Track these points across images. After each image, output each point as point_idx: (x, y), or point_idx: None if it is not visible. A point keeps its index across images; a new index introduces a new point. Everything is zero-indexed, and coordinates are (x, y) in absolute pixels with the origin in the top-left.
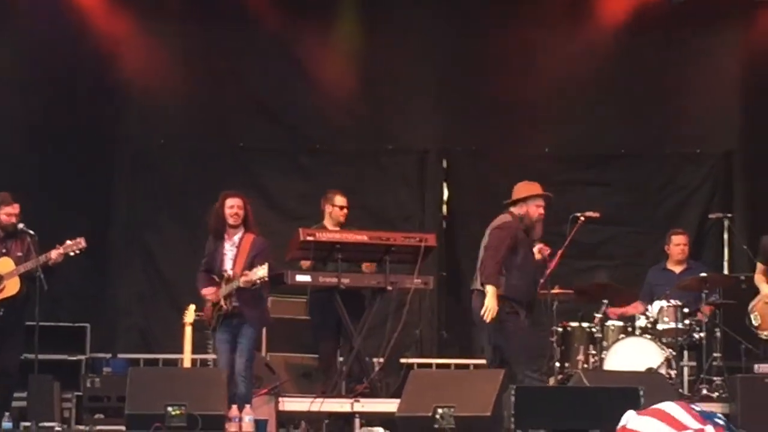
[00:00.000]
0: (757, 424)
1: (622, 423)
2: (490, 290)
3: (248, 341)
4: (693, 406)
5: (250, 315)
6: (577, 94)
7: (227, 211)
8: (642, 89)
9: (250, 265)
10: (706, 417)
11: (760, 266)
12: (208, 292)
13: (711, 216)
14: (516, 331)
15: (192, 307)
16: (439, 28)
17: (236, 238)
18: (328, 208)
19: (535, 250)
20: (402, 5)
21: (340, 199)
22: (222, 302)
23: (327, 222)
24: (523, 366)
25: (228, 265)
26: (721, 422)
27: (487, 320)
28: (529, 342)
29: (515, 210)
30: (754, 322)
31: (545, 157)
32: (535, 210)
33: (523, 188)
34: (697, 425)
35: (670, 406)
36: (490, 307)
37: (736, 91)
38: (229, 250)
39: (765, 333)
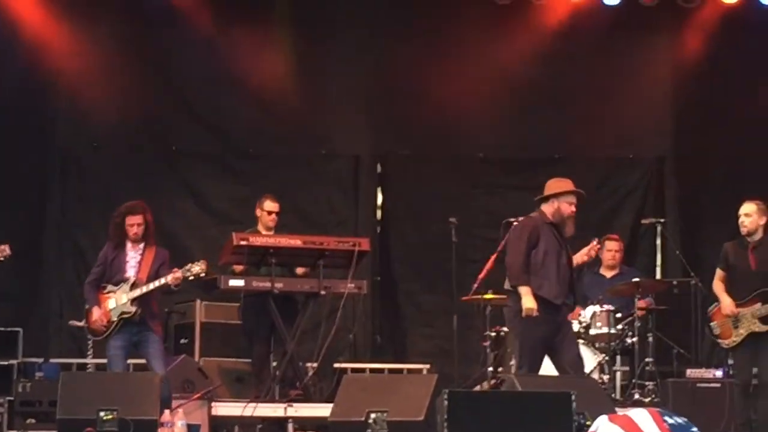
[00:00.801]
0: None
1: (592, 428)
2: (523, 291)
3: (159, 345)
4: (666, 417)
5: (152, 322)
6: (511, 99)
7: (128, 229)
8: (575, 94)
9: (156, 274)
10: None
11: (719, 272)
12: (97, 316)
13: (644, 221)
14: (536, 340)
15: None
16: (372, 31)
17: (140, 246)
18: (258, 212)
19: (585, 249)
20: (334, 10)
21: (269, 204)
22: (130, 307)
23: (260, 226)
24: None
25: (131, 272)
26: None
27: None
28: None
29: (546, 207)
30: (714, 331)
31: (479, 161)
32: (567, 207)
33: (554, 185)
34: None
35: (641, 416)
36: (527, 308)
37: (668, 96)
38: (132, 257)
39: (726, 342)
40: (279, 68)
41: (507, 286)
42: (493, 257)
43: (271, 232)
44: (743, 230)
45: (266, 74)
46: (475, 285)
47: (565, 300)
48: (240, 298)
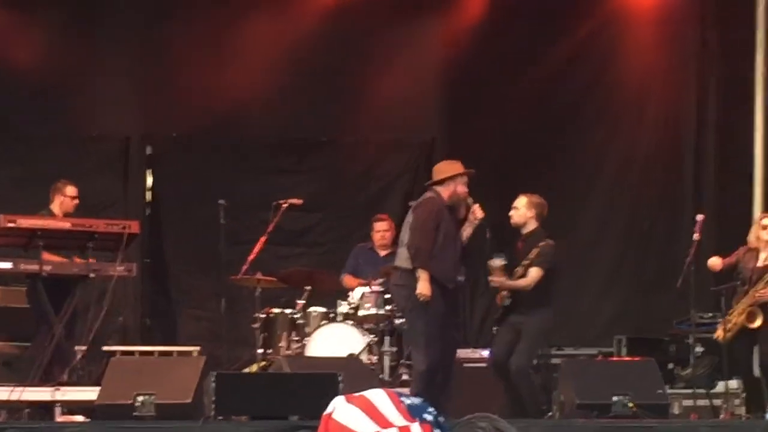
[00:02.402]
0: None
1: (329, 409)
2: (423, 275)
3: None
4: (403, 398)
5: None
6: (280, 81)
7: None
8: (345, 76)
9: None
10: (415, 413)
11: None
12: None
13: (411, 203)
14: (431, 317)
15: None
16: (142, 13)
17: None
18: (59, 198)
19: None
20: None
21: (71, 190)
22: None
23: (57, 211)
24: (422, 350)
25: None
26: (429, 417)
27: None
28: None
29: (442, 189)
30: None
31: (248, 143)
32: (463, 188)
33: (448, 167)
34: (402, 422)
35: (378, 397)
36: (423, 293)
37: (438, 79)
38: None
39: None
40: (47, 48)
41: (402, 264)
42: (262, 239)
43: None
44: (511, 221)
45: (34, 55)
46: (245, 267)
47: (457, 282)
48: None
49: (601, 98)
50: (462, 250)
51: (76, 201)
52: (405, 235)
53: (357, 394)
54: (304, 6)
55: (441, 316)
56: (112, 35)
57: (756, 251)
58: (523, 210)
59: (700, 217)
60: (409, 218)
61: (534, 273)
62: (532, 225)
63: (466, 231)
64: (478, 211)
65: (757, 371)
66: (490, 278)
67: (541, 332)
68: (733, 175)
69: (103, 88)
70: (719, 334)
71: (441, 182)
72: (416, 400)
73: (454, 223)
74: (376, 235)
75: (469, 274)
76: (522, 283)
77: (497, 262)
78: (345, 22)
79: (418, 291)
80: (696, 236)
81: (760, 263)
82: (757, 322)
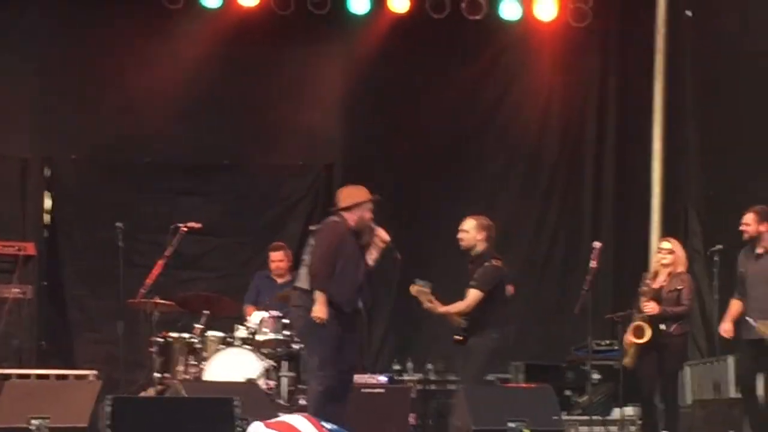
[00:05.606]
0: None
1: None
2: (320, 297)
3: None
4: (323, 423)
5: None
6: (182, 104)
7: None
8: (246, 100)
9: None
10: None
11: None
12: None
13: (312, 227)
14: (326, 338)
15: None
16: (41, 32)
17: None
18: None
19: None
20: (7, 7)
21: None
22: None
23: None
24: (318, 371)
25: None
26: None
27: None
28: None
29: (348, 215)
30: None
31: (148, 166)
32: (369, 214)
33: (355, 193)
34: None
35: (299, 421)
36: (318, 316)
37: (337, 104)
38: None
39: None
40: None
41: (301, 285)
42: (160, 263)
43: None
44: (461, 245)
45: None
46: (143, 290)
47: (356, 307)
48: None
49: (501, 126)
50: (368, 275)
51: None
52: (306, 257)
53: (275, 420)
54: (208, 30)
55: (337, 339)
56: (10, 57)
57: (656, 275)
58: (472, 233)
59: (597, 245)
60: (312, 241)
61: (471, 295)
62: (481, 246)
63: (373, 255)
64: (383, 235)
65: (657, 400)
66: (424, 306)
67: (484, 355)
68: (630, 204)
69: (0, 110)
70: (626, 361)
71: (347, 208)
72: (334, 427)
73: (358, 248)
74: (272, 264)
75: (368, 299)
76: (458, 306)
77: (420, 287)
78: (248, 47)
79: (313, 313)
80: (593, 264)
81: (656, 285)
82: (645, 338)
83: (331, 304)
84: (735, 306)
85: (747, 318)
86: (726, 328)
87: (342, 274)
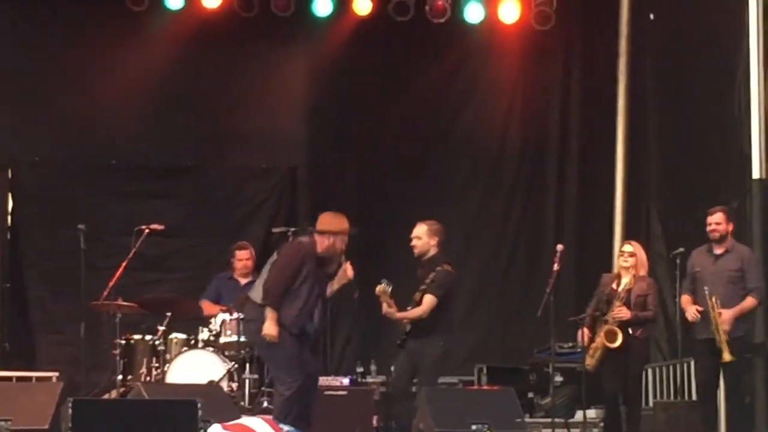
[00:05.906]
0: None
1: None
2: (271, 315)
3: None
4: (281, 425)
5: None
6: (145, 106)
7: None
8: (210, 102)
9: None
10: None
11: None
12: None
13: (275, 230)
14: (281, 353)
15: None
16: (5, 34)
17: None
18: None
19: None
20: None
21: None
22: None
23: None
24: (285, 377)
25: None
26: None
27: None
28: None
29: (320, 239)
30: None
31: (111, 168)
32: (341, 244)
33: (335, 221)
34: None
35: (256, 423)
36: (269, 334)
37: (301, 106)
38: None
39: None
40: None
41: (254, 298)
42: (123, 264)
43: None
44: (414, 252)
45: None
46: (105, 292)
47: (305, 330)
48: None
49: (465, 128)
50: (322, 303)
51: None
52: (266, 271)
53: (233, 422)
54: (172, 32)
55: (293, 349)
56: None
57: (619, 277)
58: (425, 238)
59: (560, 248)
60: (275, 256)
61: (427, 300)
62: (432, 251)
63: (334, 287)
64: (349, 270)
65: (620, 402)
66: (383, 311)
67: (435, 362)
68: (593, 206)
69: None
70: (588, 362)
71: (322, 232)
72: (292, 428)
73: (319, 274)
74: (237, 264)
75: (317, 329)
76: (416, 312)
77: (384, 288)
78: (212, 49)
79: (264, 332)
80: (556, 266)
81: (620, 288)
82: (617, 342)
83: (280, 323)
84: (688, 298)
85: (704, 288)
86: (692, 310)
87: (295, 297)
